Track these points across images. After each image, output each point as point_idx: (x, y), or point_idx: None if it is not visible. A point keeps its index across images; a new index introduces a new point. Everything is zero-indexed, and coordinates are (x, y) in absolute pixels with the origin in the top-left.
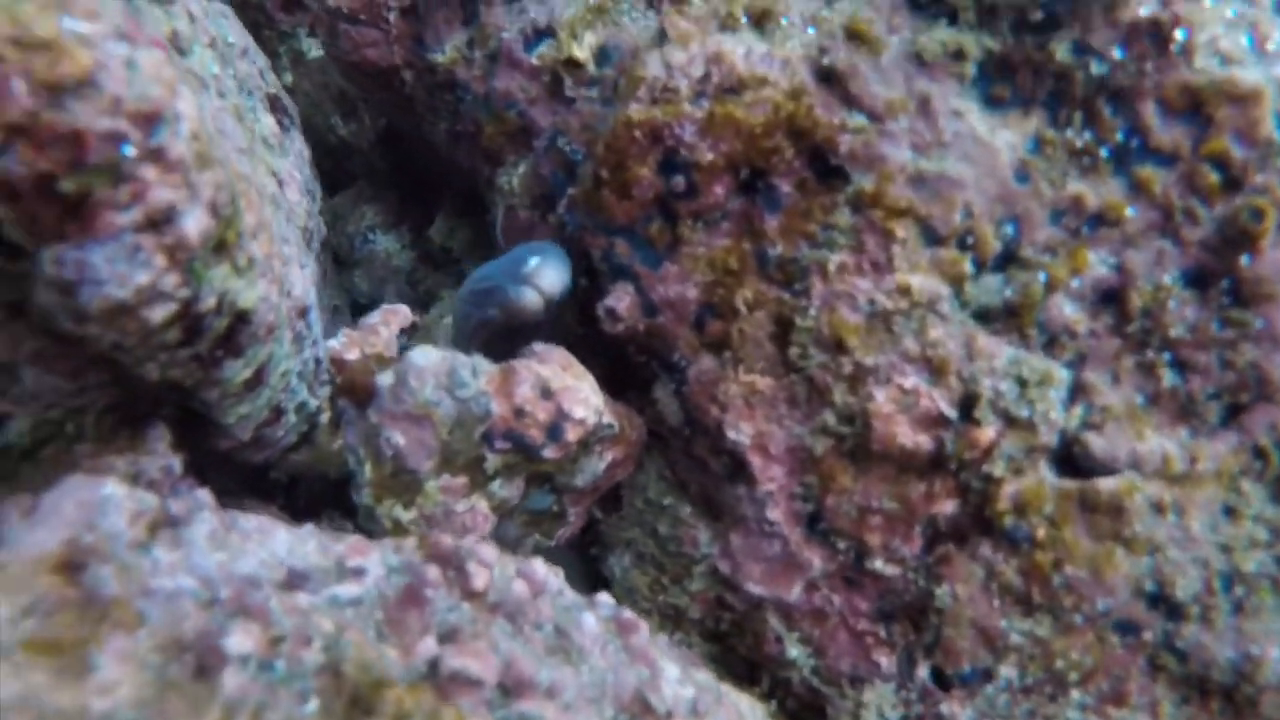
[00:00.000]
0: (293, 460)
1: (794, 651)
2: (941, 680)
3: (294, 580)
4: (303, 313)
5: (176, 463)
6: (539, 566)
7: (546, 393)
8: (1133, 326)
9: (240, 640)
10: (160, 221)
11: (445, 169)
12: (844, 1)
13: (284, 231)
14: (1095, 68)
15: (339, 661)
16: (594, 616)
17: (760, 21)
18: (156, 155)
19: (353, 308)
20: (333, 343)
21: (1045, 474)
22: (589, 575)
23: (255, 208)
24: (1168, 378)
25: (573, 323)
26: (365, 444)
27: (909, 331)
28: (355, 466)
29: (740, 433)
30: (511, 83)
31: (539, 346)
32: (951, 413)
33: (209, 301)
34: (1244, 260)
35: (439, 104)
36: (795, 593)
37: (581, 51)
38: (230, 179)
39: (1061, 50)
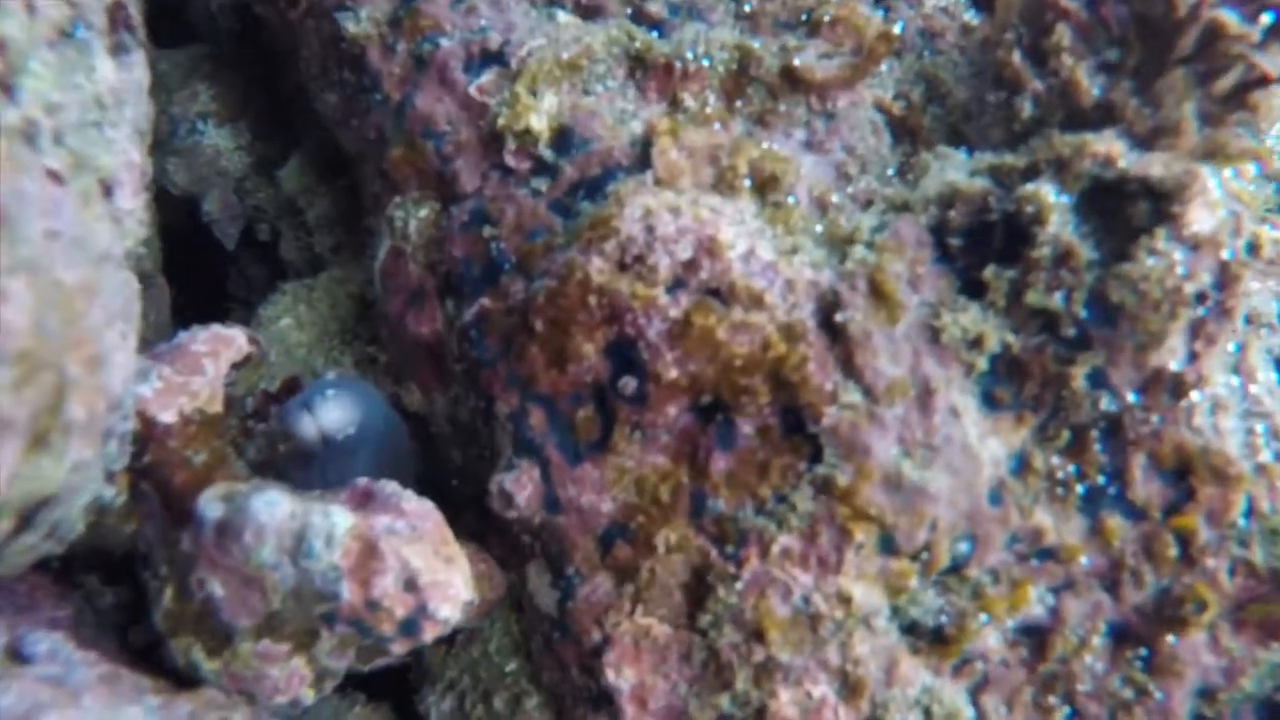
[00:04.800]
0: None
1: None
2: None
3: None
4: (118, 405)
5: None
6: None
7: (411, 585)
8: (1045, 668)
9: None
10: None
11: (314, 112)
12: (864, 214)
13: (112, 308)
14: (1106, 403)
15: None
16: None
17: (764, 189)
18: None
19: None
20: (143, 389)
21: None
22: (391, 707)
23: (88, 342)
24: None
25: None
26: (170, 565)
27: (835, 641)
28: (151, 578)
29: (621, 677)
30: (438, 106)
31: (410, 504)
32: None
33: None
34: (1170, 638)
35: (334, 74)
36: None
37: (538, 121)
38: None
39: (1080, 375)
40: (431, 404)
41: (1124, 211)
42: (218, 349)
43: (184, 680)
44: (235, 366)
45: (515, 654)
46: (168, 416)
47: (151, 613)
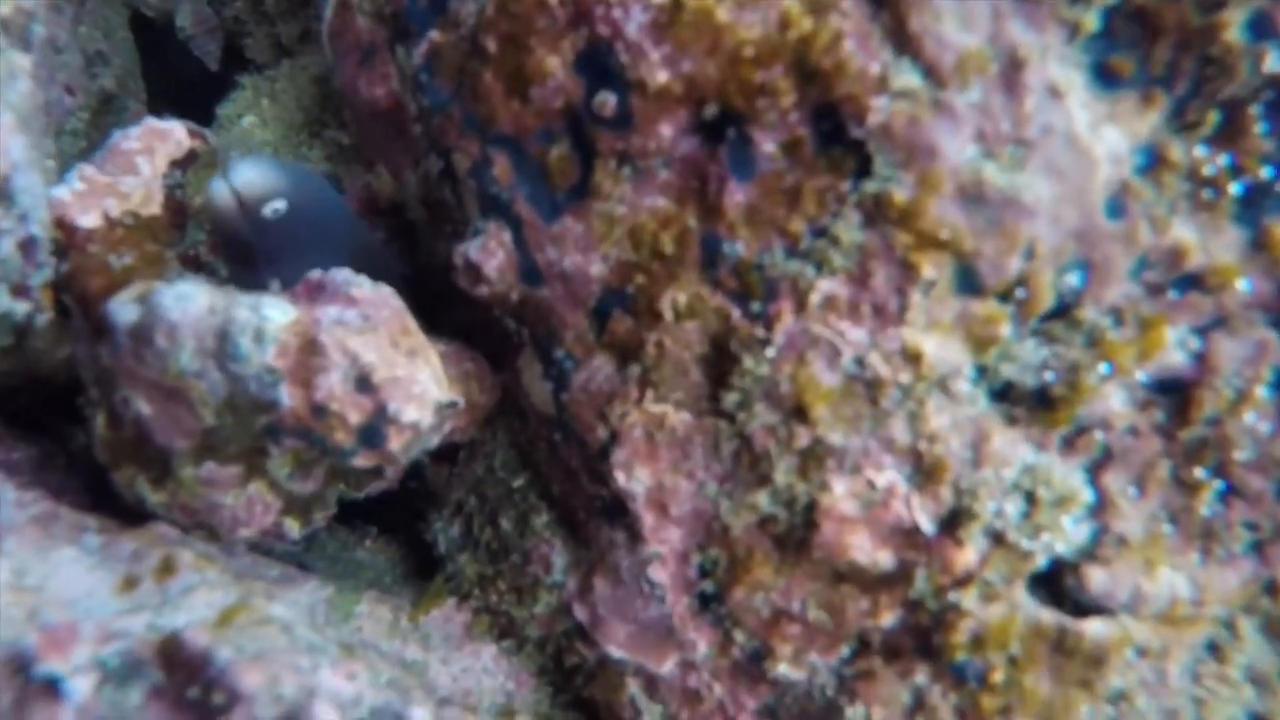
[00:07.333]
0: None
1: None
2: None
3: None
4: (4, 197)
5: None
6: None
7: (364, 384)
8: (1188, 433)
9: None
10: None
11: None
12: None
13: None
14: (1273, 62)
15: None
16: None
17: None
18: None
19: (134, 22)
20: (60, 193)
21: (1022, 601)
22: (405, 540)
23: None
24: (1208, 505)
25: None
26: (97, 385)
27: (902, 412)
28: (86, 404)
29: (634, 479)
30: None
31: (359, 288)
32: (930, 527)
33: None
34: None
35: None
36: (667, 667)
37: None
38: None
39: (1234, 21)
40: (404, 186)
41: None
42: (153, 144)
43: (143, 518)
44: (178, 165)
45: (523, 468)
46: (89, 220)
47: (93, 446)
